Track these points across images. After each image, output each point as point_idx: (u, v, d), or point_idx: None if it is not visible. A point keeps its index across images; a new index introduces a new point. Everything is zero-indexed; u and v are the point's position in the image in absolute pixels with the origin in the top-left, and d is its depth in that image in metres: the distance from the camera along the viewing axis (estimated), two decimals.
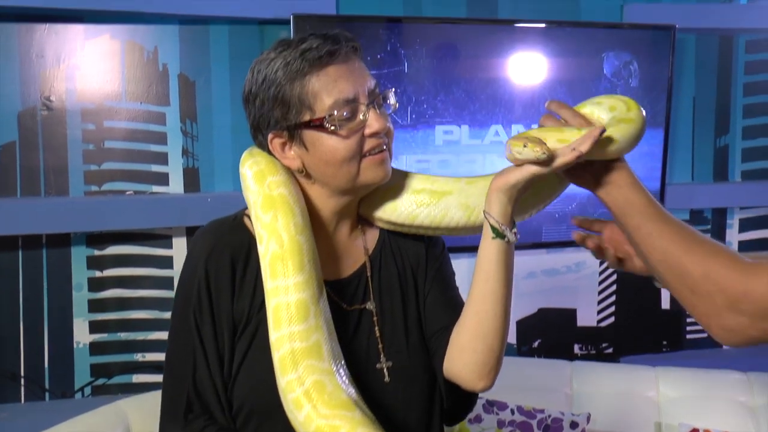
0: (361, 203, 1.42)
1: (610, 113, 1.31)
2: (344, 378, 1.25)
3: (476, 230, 1.36)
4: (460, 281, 1.51)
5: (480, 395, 1.54)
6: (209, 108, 2.79)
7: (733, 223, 3.48)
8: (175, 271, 2.77)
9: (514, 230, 1.28)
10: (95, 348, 2.78)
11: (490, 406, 2.54)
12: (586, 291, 3.35)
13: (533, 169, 1.20)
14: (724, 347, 3.49)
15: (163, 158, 2.76)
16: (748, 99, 3.41)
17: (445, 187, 1.37)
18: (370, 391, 1.34)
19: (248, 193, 1.35)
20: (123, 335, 2.80)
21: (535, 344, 3.32)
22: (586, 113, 1.33)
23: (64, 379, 2.76)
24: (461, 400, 1.44)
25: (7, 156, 2.63)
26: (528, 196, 1.32)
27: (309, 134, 1.30)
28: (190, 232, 2.80)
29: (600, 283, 3.36)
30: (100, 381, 2.80)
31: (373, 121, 1.30)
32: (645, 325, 3.44)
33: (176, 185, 2.79)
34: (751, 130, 3.44)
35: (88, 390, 2.79)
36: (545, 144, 1.18)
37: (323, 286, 1.31)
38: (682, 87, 3.31)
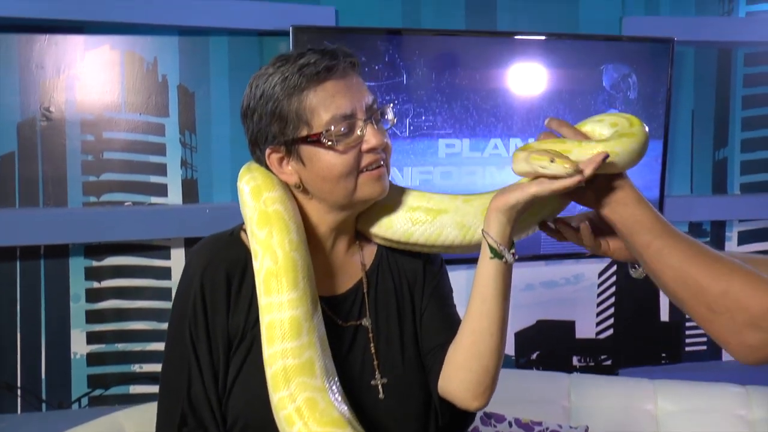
0: (359, 219, 1.42)
1: (611, 129, 1.30)
2: (337, 395, 1.25)
3: (472, 249, 1.36)
4: (458, 294, 1.51)
5: None
6: (208, 119, 2.80)
7: (732, 235, 3.48)
8: (173, 282, 2.77)
9: (512, 251, 1.27)
10: (92, 359, 2.78)
11: (488, 418, 2.54)
12: (584, 303, 3.35)
13: (534, 190, 1.20)
14: (723, 359, 3.49)
15: (161, 169, 2.77)
16: (746, 112, 3.41)
17: (440, 205, 1.37)
18: (365, 407, 1.34)
19: (245, 209, 1.35)
20: (120, 346, 2.80)
21: (534, 356, 3.31)
22: (587, 131, 1.32)
23: (61, 389, 2.76)
24: (457, 418, 1.43)
25: (6, 166, 2.63)
26: (527, 215, 1.31)
27: (306, 149, 1.30)
28: (188, 243, 2.80)
29: (599, 295, 3.36)
30: (97, 392, 2.79)
31: (370, 137, 1.30)
32: (644, 338, 3.44)
33: (175, 196, 2.79)
34: (750, 142, 3.44)
35: (85, 401, 2.79)
36: (572, 160, 1.16)
37: (318, 303, 1.31)
38: (681, 99, 3.31)
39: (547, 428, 2.52)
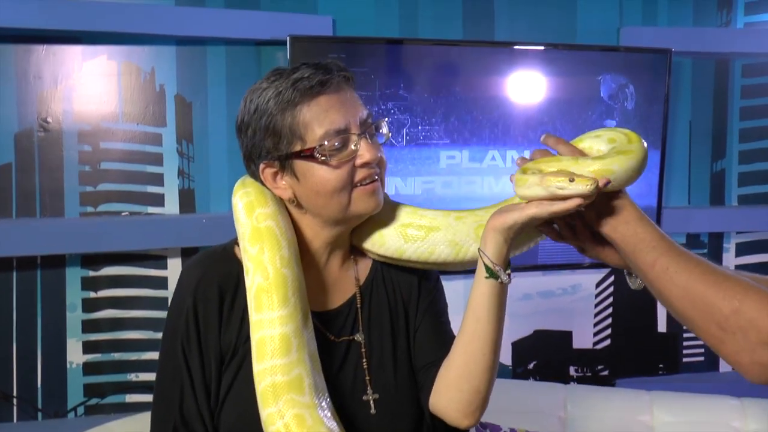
0: (353, 234, 1.42)
1: (609, 145, 1.28)
2: (326, 412, 1.25)
3: (465, 266, 1.36)
4: (455, 304, 1.50)
5: None
6: (205, 129, 2.80)
7: (730, 247, 3.48)
8: (170, 292, 2.77)
9: (509, 272, 1.27)
10: (88, 368, 2.77)
11: (483, 428, 2.53)
12: (582, 313, 3.34)
13: (533, 212, 1.18)
14: (721, 371, 3.48)
15: (158, 179, 2.77)
16: (744, 123, 3.42)
17: (433, 222, 1.37)
18: (356, 423, 1.34)
19: (238, 225, 1.35)
20: (116, 355, 2.80)
21: (531, 366, 3.31)
22: (585, 147, 1.30)
23: (57, 398, 2.76)
24: None
25: (3, 177, 2.63)
26: (524, 234, 1.30)
27: (300, 164, 1.30)
28: (185, 253, 2.80)
29: (596, 305, 3.35)
30: (93, 401, 2.79)
31: (364, 152, 1.30)
32: (641, 348, 3.43)
33: (172, 206, 2.79)
34: (748, 154, 3.44)
35: (81, 410, 2.78)
36: (592, 177, 1.14)
37: (309, 318, 1.31)
38: (679, 110, 3.32)
39: None
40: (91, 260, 2.74)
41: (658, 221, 3.10)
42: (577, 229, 1.30)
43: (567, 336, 3.35)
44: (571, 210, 1.16)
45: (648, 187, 3.10)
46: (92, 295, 2.75)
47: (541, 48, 3.00)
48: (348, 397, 1.36)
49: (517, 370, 3.29)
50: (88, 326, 2.76)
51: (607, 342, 3.39)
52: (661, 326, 3.44)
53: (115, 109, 2.71)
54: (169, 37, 2.70)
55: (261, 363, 1.24)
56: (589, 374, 3.38)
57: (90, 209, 2.71)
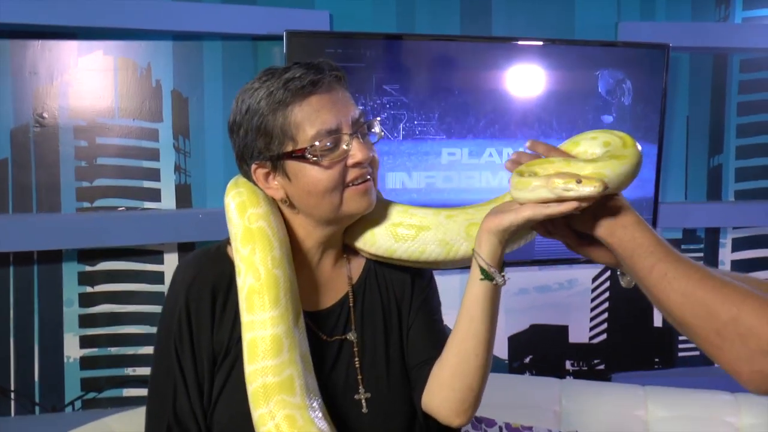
0: (346, 233, 1.42)
1: (603, 149, 1.26)
2: (318, 412, 1.25)
3: (456, 264, 1.37)
4: (452, 299, 1.50)
5: None
6: (202, 124, 2.80)
7: (726, 242, 3.48)
8: (166, 286, 2.76)
9: (503, 273, 1.27)
10: (86, 362, 2.78)
11: (478, 422, 2.54)
12: (578, 308, 3.35)
13: (528, 214, 1.17)
14: (716, 365, 3.49)
15: (155, 174, 2.77)
16: (742, 118, 3.41)
17: (423, 221, 1.37)
18: (349, 422, 1.35)
19: (230, 225, 1.35)
20: (113, 350, 2.81)
21: (527, 360, 3.32)
22: (580, 152, 1.29)
23: (55, 393, 2.77)
24: None
25: (0, 173, 2.63)
26: (518, 234, 1.30)
27: (292, 165, 1.30)
28: (181, 248, 2.81)
29: (592, 300, 3.36)
30: (91, 395, 2.80)
31: (356, 151, 1.30)
32: (637, 343, 3.44)
33: (168, 201, 2.79)
34: (745, 149, 3.44)
35: (78, 404, 2.79)
36: (598, 178, 1.13)
37: (301, 318, 1.32)
38: (676, 106, 3.31)
39: None
40: (88, 255, 2.74)
41: (655, 216, 3.11)
42: (559, 227, 1.27)
43: (563, 330, 3.36)
44: (568, 212, 1.15)
45: (645, 182, 3.10)
46: (89, 289, 2.75)
47: (539, 43, 3.00)
48: (340, 396, 1.37)
49: (513, 365, 3.30)
50: (85, 321, 2.76)
51: (603, 336, 3.39)
52: (657, 321, 3.45)
53: (112, 105, 2.71)
54: (165, 33, 2.70)
55: (252, 364, 1.25)
56: (585, 368, 3.39)
57: (86, 204, 2.71)
